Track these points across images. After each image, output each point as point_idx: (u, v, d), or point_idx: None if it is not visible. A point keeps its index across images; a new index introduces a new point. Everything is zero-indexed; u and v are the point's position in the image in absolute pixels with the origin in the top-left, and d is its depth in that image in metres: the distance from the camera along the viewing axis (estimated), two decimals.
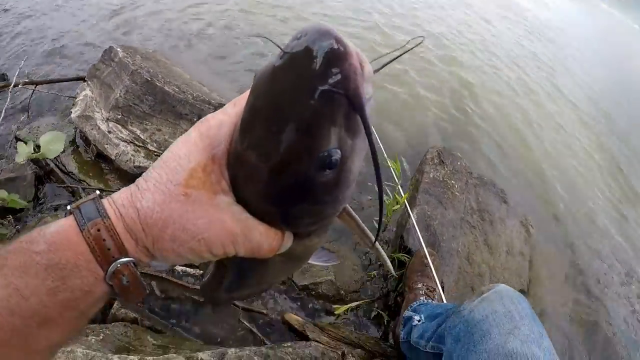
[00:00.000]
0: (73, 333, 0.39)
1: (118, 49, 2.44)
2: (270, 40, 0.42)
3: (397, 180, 2.07)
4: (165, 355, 1.33)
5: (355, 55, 0.35)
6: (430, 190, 2.37)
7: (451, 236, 2.21)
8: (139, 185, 0.41)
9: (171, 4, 4.41)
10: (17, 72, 2.66)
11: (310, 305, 1.90)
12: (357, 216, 0.55)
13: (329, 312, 1.89)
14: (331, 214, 0.46)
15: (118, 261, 0.39)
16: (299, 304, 1.90)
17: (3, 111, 2.36)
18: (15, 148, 2.04)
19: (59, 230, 0.38)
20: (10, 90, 2.48)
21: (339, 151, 0.37)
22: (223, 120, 0.42)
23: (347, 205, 0.51)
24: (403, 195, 2.06)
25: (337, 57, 0.33)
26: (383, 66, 0.43)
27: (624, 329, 2.51)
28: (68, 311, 0.38)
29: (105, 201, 0.41)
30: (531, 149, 3.85)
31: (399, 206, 2.05)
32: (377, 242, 0.53)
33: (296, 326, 1.72)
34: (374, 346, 1.73)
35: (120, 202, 0.40)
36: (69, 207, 0.41)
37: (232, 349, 1.38)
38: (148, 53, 2.76)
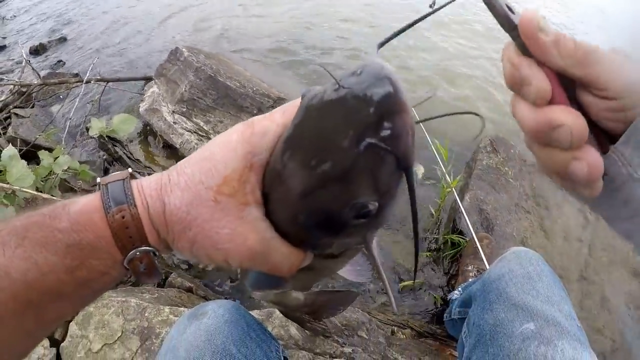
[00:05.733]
0: (81, 307, 0.42)
1: (183, 49, 2.62)
2: (326, 70, 0.40)
3: (444, 166, 2.09)
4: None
5: (410, 111, 0.33)
6: (483, 176, 2.37)
7: (505, 221, 2.20)
8: (171, 178, 0.40)
9: (235, 9, 4.60)
10: (89, 70, 2.90)
11: (363, 285, 1.95)
12: (377, 257, 0.50)
13: (382, 293, 1.94)
14: (358, 246, 0.46)
15: (138, 249, 0.38)
16: (351, 284, 1.95)
17: (76, 102, 2.60)
18: (87, 129, 2.21)
19: (82, 210, 0.38)
20: (83, 85, 2.71)
21: (375, 203, 0.35)
22: (268, 128, 0.39)
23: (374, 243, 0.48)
24: (452, 180, 2.07)
25: (393, 110, 0.32)
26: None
27: None
28: (83, 289, 0.38)
29: (134, 185, 0.40)
30: None
31: (449, 189, 2.07)
32: (384, 277, 0.50)
33: None
34: (423, 327, 1.76)
35: (148, 191, 0.39)
36: (98, 180, 0.41)
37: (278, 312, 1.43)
38: (211, 53, 2.94)
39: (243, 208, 0.38)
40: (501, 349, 0.84)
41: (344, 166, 0.33)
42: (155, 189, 0.39)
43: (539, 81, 0.35)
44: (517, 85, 0.37)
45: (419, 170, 2.38)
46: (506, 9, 0.36)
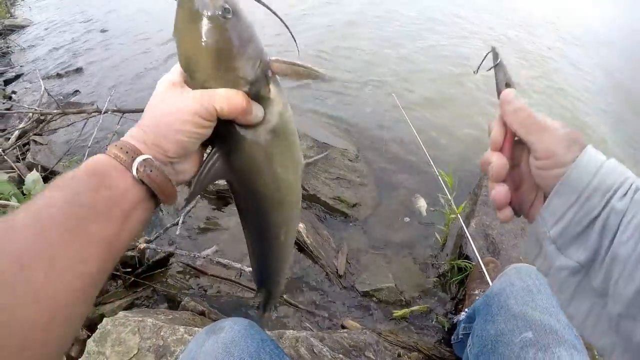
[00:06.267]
0: (122, 233, 0.48)
1: None
2: None
3: (449, 193, 2.14)
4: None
5: None
6: (489, 202, 2.41)
7: (511, 245, 2.23)
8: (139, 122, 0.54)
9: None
10: (107, 100, 3.02)
11: (370, 311, 1.98)
12: (288, 59, 0.57)
13: (389, 318, 1.97)
14: (259, 52, 0.54)
15: (137, 158, 0.49)
16: (360, 309, 1.99)
17: (95, 131, 2.71)
18: None
19: (86, 161, 0.49)
20: (101, 116, 2.82)
21: (226, 4, 0.48)
22: (173, 69, 0.56)
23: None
24: (458, 206, 2.12)
25: None
26: None
27: None
28: (113, 207, 0.46)
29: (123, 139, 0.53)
30: None
31: (454, 216, 2.11)
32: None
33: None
34: (432, 350, 1.78)
35: (130, 132, 0.54)
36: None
37: (290, 331, 1.47)
38: None
39: (181, 90, 0.52)
40: (502, 357, 0.89)
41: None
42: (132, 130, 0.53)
43: (496, 133, 0.55)
44: (488, 133, 0.57)
45: (422, 205, 2.41)
46: (503, 86, 0.56)
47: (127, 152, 0.49)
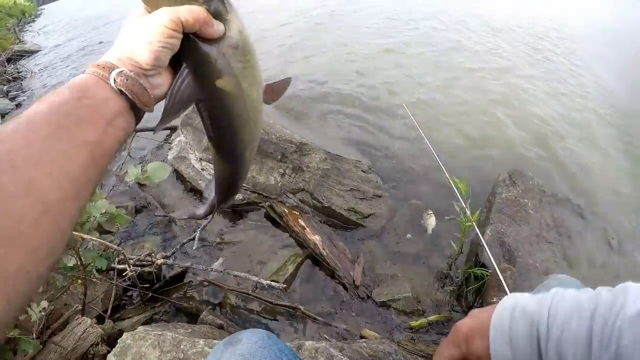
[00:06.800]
0: (109, 142, 0.52)
1: None
2: None
3: (464, 201, 2.14)
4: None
5: None
6: (504, 209, 2.41)
7: (527, 252, 2.23)
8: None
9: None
10: None
11: (388, 321, 1.99)
12: None
13: (407, 328, 1.96)
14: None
15: (114, 70, 0.53)
16: (378, 319, 1.99)
17: None
18: (119, 179, 2.34)
19: (69, 81, 0.52)
20: None
21: None
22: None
23: None
24: (472, 214, 2.12)
25: None
26: None
27: None
28: (95, 114, 0.50)
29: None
30: (605, 165, 3.71)
31: (470, 224, 2.12)
32: None
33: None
34: None
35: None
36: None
37: (309, 342, 1.47)
38: None
39: (146, 15, 0.57)
40: None
41: None
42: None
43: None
44: None
45: (431, 224, 2.41)
46: None
47: (103, 67, 0.53)
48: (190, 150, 2.64)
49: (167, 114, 0.59)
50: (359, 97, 4.12)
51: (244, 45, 0.62)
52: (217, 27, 0.57)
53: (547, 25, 7.80)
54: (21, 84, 5.39)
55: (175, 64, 0.59)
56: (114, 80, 0.52)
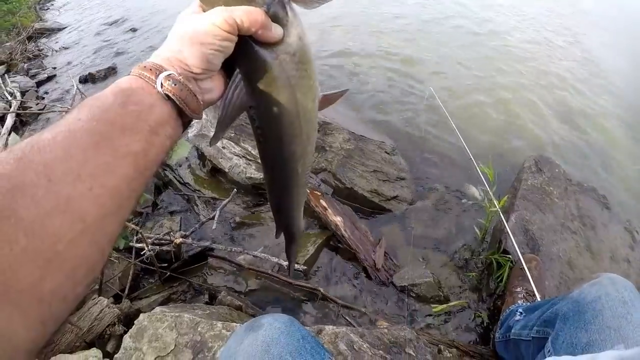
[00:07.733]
0: (154, 152, 0.49)
1: None
2: None
3: (489, 187, 2.10)
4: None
5: None
6: (529, 196, 2.36)
7: (551, 241, 2.18)
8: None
9: None
10: None
11: (408, 306, 1.97)
12: None
13: (428, 314, 1.95)
14: None
15: (161, 74, 0.50)
16: (398, 304, 1.98)
17: None
18: None
19: (112, 84, 0.50)
20: None
21: None
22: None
23: None
24: (498, 199, 2.08)
25: None
26: None
27: None
28: (140, 121, 0.47)
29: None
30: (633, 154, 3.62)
31: (494, 209, 2.08)
32: None
33: None
34: (470, 347, 1.76)
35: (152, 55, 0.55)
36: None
37: (330, 326, 1.46)
38: None
39: (201, 13, 0.52)
40: None
41: None
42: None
43: None
44: None
45: (475, 191, 2.38)
46: None
47: (150, 70, 0.50)
48: (211, 128, 2.62)
49: (222, 125, 0.55)
50: (388, 77, 4.05)
51: (302, 53, 0.58)
52: (275, 32, 0.53)
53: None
54: (42, 62, 5.39)
55: (227, 65, 0.56)
56: (161, 84, 0.50)
